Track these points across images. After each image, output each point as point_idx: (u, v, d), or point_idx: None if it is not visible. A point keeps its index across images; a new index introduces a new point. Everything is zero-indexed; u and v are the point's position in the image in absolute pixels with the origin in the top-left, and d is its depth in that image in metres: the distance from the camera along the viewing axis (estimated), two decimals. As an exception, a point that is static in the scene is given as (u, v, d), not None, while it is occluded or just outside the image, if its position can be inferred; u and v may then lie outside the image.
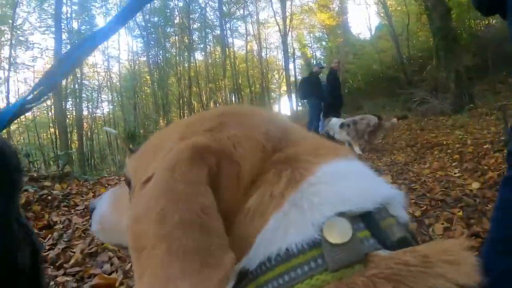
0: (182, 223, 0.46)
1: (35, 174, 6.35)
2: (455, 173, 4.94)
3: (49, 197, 5.15)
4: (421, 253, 0.45)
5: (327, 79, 9.91)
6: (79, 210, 4.91)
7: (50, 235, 3.82)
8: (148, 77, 32.72)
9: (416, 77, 20.83)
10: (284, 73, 37.17)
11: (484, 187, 3.97)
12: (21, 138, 31.78)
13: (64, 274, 2.95)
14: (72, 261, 3.14)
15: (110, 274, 2.94)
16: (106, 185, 6.37)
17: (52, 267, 3.08)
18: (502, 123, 6.91)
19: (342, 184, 0.52)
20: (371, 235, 0.47)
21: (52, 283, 2.84)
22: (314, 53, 39.67)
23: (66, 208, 4.98)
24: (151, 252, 0.46)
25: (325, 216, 0.48)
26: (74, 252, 3.33)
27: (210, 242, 0.46)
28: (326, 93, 9.59)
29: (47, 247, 3.55)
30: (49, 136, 28.08)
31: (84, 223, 4.26)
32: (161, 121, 28.43)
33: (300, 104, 32.95)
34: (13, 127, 31.09)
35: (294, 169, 0.54)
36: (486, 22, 20.16)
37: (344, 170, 0.56)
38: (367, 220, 0.48)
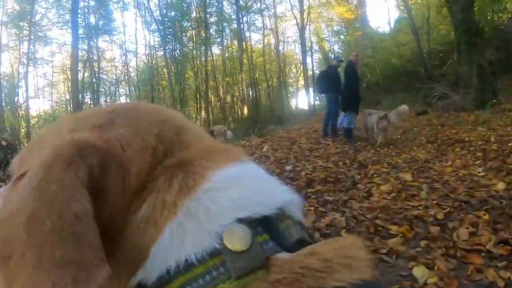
0: (54, 231, 0.40)
1: None
2: (479, 172, 4.79)
3: None
4: (322, 256, 0.44)
5: (345, 73, 9.59)
6: None
7: None
8: (165, 71, 32.79)
9: (437, 71, 20.53)
10: (301, 67, 36.96)
11: (511, 188, 3.82)
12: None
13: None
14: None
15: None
16: None
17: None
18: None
19: (238, 190, 0.49)
20: (269, 238, 0.45)
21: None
22: (332, 47, 39.56)
23: None
24: (19, 262, 0.40)
25: (223, 224, 0.45)
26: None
27: (82, 254, 0.40)
28: (344, 87, 9.33)
29: None
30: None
31: None
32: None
33: (317, 98, 32.79)
34: (33, 121, 31.72)
35: (186, 175, 0.50)
36: (509, 16, 19.84)
37: (239, 174, 0.52)
38: (265, 224, 0.46)
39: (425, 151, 6.86)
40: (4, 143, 6.39)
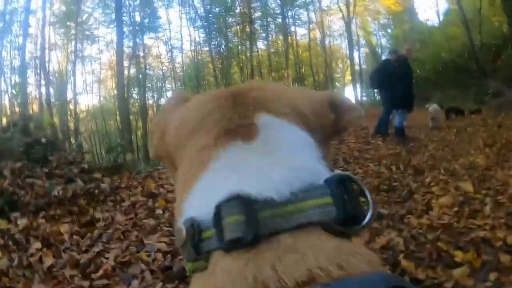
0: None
1: (86, 166, 6.43)
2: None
3: (96, 191, 5.25)
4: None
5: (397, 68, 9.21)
6: (124, 206, 4.96)
7: (89, 234, 3.88)
8: (210, 66, 33.06)
9: (489, 66, 19.50)
10: (348, 61, 36.49)
11: None
12: (90, 125, 33.54)
13: (90, 287, 2.94)
14: (101, 271, 3.12)
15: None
16: (157, 179, 6.43)
17: (80, 275, 3.07)
18: None
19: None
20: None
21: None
22: (379, 41, 38.69)
23: (112, 203, 5.07)
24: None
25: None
26: (107, 259, 3.33)
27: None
28: (396, 83, 8.98)
29: (83, 248, 3.59)
30: (116, 124, 29.23)
31: (126, 222, 4.31)
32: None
33: (365, 94, 32.26)
34: (82, 115, 32.89)
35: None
36: None
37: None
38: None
39: (483, 155, 6.51)
40: (44, 140, 6.61)
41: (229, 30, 33.68)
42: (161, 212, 4.65)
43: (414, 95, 9.26)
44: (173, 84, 35.25)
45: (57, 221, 4.31)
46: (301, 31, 38.23)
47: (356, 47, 36.24)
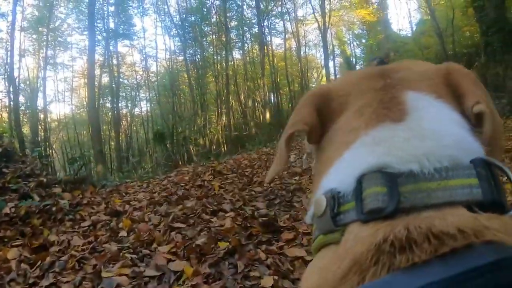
0: None
1: (44, 180, 5.75)
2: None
3: (54, 209, 4.67)
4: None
5: None
6: (83, 227, 4.33)
7: (40, 262, 3.27)
8: (185, 75, 32.79)
9: None
10: (323, 71, 36.73)
11: None
12: (61, 135, 32.82)
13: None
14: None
15: None
16: (124, 194, 5.95)
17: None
18: None
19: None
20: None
21: None
22: (353, 51, 39.30)
23: (70, 223, 4.47)
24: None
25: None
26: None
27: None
28: None
29: (31, 280, 3.01)
30: (89, 134, 28.64)
31: (84, 247, 3.66)
32: (198, 120, 28.50)
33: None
34: (53, 124, 32.14)
35: None
36: None
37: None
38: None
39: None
40: (-1, 149, 6.00)
41: (204, 39, 33.56)
42: (125, 234, 3.98)
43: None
44: (148, 93, 34.90)
45: (5, 244, 3.78)
46: (277, 40, 38.43)
47: (331, 57, 36.58)
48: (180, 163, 16.48)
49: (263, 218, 3.91)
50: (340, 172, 0.53)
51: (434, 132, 0.52)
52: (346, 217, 0.48)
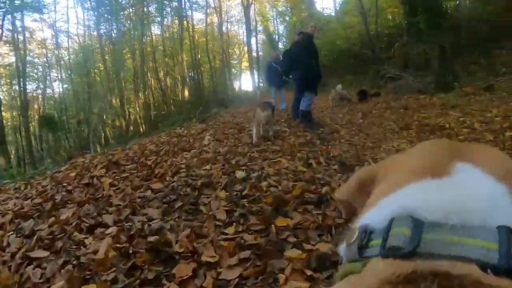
0: None
1: None
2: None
3: None
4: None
5: (303, 47, 8.18)
6: None
7: None
8: (99, 52, 30.42)
9: (384, 54, 20.43)
10: (245, 48, 35.84)
11: None
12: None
13: None
14: None
15: None
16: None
17: None
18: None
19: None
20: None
21: None
22: (276, 28, 38.84)
23: None
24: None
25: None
26: None
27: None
28: (301, 63, 7.95)
29: None
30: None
31: None
32: (113, 100, 26.72)
33: (261, 81, 31.79)
34: None
35: None
36: (457, 2, 20.10)
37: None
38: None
39: (405, 140, 5.75)
40: None
41: (121, 12, 31.22)
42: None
43: (321, 75, 8.28)
44: (60, 73, 31.79)
45: None
46: (198, 15, 36.94)
47: (254, 33, 35.76)
48: (84, 151, 14.23)
49: (155, 237, 2.68)
50: (376, 213, 0.57)
51: (471, 190, 0.54)
52: (371, 251, 0.52)
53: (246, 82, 67.47)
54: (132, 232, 2.84)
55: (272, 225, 2.71)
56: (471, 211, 0.50)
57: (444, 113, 7.70)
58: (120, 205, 3.45)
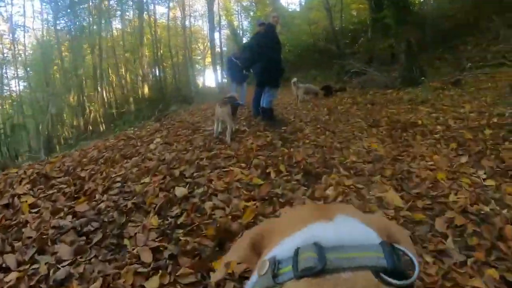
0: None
1: None
2: (484, 179, 3.24)
3: None
4: None
5: (265, 39, 7.58)
6: None
7: None
8: (58, 47, 29.05)
9: (349, 49, 20.38)
10: (209, 43, 35.00)
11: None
12: None
13: None
14: None
15: None
16: None
17: None
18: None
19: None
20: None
21: None
22: (241, 23, 38.33)
23: None
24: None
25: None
26: None
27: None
28: (263, 56, 7.37)
29: None
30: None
31: None
32: (71, 98, 25.58)
33: (225, 76, 31.12)
34: None
35: None
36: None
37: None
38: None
39: (376, 139, 5.20)
40: None
41: (80, 6, 29.60)
42: None
43: (283, 69, 7.70)
44: (16, 71, 30.07)
45: None
46: (160, 9, 35.89)
47: (218, 28, 34.90)
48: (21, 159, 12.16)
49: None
50: (280, 248, 0.67)
51: (354, 227, 0.69)
52: (283, 277, 0.60)
53: (210, 77, 66.65)
54: (33, 282, 2.15)
55: (211, 274, 2.12)
56: (357, 238, 0.63)
57: (414, 109, 7.30)
58: (31, 237, 2.71)
